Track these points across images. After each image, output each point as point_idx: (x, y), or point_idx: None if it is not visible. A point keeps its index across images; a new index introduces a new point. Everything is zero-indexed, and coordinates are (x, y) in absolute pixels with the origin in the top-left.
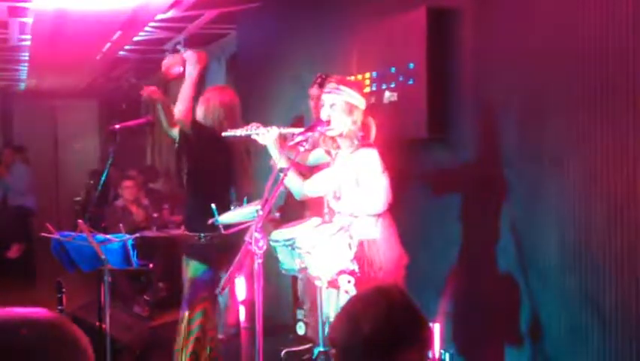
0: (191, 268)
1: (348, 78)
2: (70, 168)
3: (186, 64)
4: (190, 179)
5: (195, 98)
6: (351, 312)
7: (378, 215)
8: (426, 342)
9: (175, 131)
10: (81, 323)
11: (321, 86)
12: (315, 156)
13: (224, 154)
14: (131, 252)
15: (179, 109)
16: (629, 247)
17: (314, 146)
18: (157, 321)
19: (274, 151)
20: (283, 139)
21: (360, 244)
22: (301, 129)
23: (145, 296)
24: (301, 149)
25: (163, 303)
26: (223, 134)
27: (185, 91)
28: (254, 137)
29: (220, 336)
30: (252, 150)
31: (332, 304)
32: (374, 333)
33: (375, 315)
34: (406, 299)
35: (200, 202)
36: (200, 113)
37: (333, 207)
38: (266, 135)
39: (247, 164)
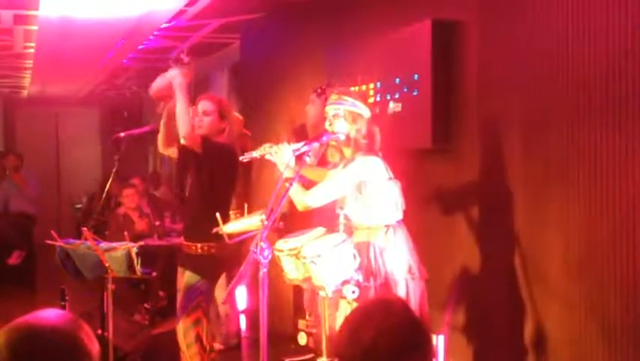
0: (187, 277)
1: (351, 89)
2: (72, 175)
3: (174, 83)
4: (196, 192)
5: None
6: (352, 323)
7: (389, 225)
8: (427, 352)
9: (170, 150)
10: None
11: (315, 99)
12: None
13: (230, 166)
14: (135, 260)
15: (183, 130)
16: (634, 258)
17: (321, 158)
18: (158, 329)
19: (282, 165)
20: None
21: (367, 253)
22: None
23: (146, 305)
24: (307, 159)
25: (164, 311)
26: (240, 158)
27: (181, 110)
28: (268, 157)
29: (220, 346)
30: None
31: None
32: (374, 343)
33: (376, 325)
34: (407, 310)
35: (204, 213)
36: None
37: (343, 218)
38: (279, 154)
39: (244, 175)
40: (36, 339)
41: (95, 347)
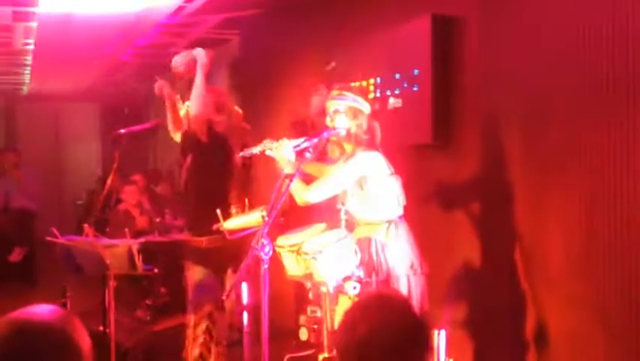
0: (195, 273)
1: (351, 84)
2: (73, 171)
3: (197, 62)
4: (196, 183)
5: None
6: (349, 317)
7: (391, 221)
8: (424, 349)
9: (179, 135)
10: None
11: (323, 89)
12: None
13: (230, 159)
14: (136, 257)
15: (194, 110)
16: (634, 253)
17: (321, 154)
18: (159, 326)
19: (283, 161)
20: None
21: (369, 249)
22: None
23: (147, 301)
24: (307, 155)
25: (165, 308)
26: (240, 154)
27: (198, 90)
28: (268, 153)
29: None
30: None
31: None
32: (368, 338)
33: (371, 320)
34: (405, 306)
35: (205, 207)
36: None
37: (345, 214)
38: (279, 150)
39: (244, 171)
40: (25, 334)
41: (85, 343)
